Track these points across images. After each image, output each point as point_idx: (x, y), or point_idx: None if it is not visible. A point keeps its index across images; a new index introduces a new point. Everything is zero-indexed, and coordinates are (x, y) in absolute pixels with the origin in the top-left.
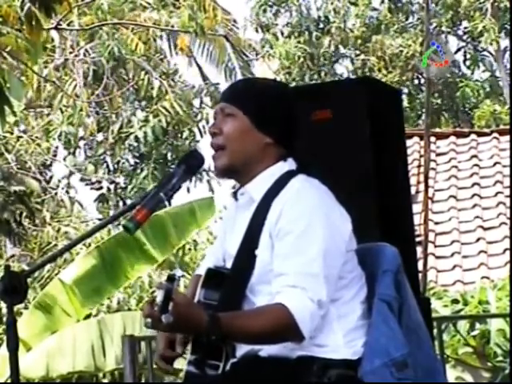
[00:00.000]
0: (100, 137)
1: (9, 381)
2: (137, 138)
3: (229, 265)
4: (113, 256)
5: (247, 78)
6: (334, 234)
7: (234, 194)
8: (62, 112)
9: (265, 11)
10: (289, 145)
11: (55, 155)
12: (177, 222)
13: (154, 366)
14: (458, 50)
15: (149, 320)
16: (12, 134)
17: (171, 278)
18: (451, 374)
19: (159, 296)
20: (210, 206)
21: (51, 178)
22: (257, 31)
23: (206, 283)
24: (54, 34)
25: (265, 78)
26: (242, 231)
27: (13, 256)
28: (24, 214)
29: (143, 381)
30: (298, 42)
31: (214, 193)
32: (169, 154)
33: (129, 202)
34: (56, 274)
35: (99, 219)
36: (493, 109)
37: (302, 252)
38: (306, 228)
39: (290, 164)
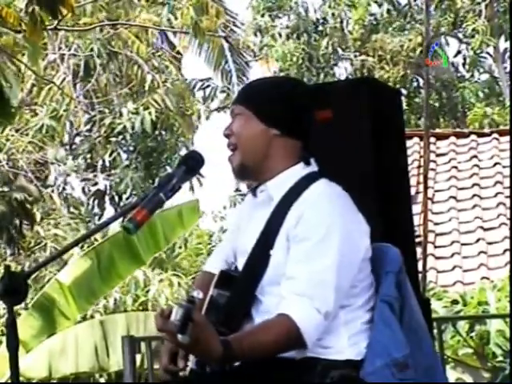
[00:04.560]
0: (94, 133)
1: (9, 381)
2: (125, 128)
3: (240, 261)
4: (108, 257)
5: (258, 79)
6: (351, 244)
7: (253, 191)
8: (46, 106)
9: (263, 15)
10: (301, 136)
11: (44, 152)
12: (164, 224)
13: (154, 366)
14: (459, 52)
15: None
16: (2, 132)
17: (191, 300)
18: (451, 374)
19: (177, 314)
20: (196, 209)
21: (47, 177)
22: (255, 35)
23: (218, 283)
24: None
25: (275, 76)
26: (257, 229)
27: (5, 259)
28: (24, 220)
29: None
30: (298, 44)
31: (193, 192)
32: (157, 147)
33: (122, 196)
34: (45, 275)
35: (95, 214)
36: (483, 111)
37: (316, 260)
38: (323, 236)
39: (312, 166)
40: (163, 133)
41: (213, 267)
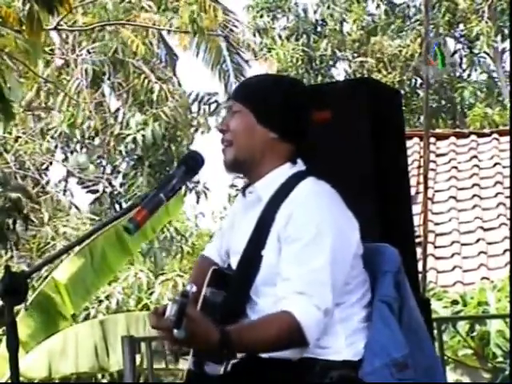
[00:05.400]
0: (97, 139)
1: (9, 381)
2: (135, 141)
3: (233, 260)
4: (100, 253)
5: (257, 75)
6: (343, 241)
7: (243, 191)
8: (62, 112)
9: (262, 16)
10: (298, 141)
11: (52, 155)
12: None
13: (154, 366)
14: (455, 52)
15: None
16: (10, 134)
17: (185, 294)
18: (451, 375)
19: (171, 310)
20: (179, 198)
21: (48, 182)
22: (254, 36)
23: (211, 282)
24: (54, 35)
25: (276, 74)
26: (248, 230)
27: (12, 257)
28: (18, 220)
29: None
30: (296, 45)
31: (198, 203)
32: (165, 159)
33: (124, 205)
34: (48, 274)
35: (95, 221)
36: (483, 111)
37: (311, 259)
38: (315, 235)
39: (299, 165)
40: (170, 144)
41: (211, 253)
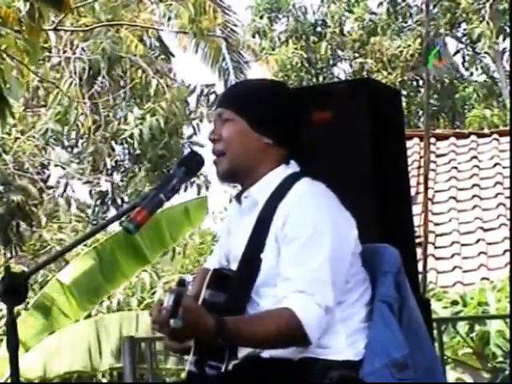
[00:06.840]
0: (97, 136)
1: (9, 381)
2: (131, 136)
3: (234, 266)
4: (110, 256)
5: (242, 81)
6: (341, 239)
7: (238, 198)
8: (55, 109)
9: (261, 17)
10: (291, 144)
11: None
12: (170, 222)
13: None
14: (457, 52)
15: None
16: (9, 134)
17: (181, 283)
18: (451, 375)
19: (168, 300)
20: (203, 206)
21: (48, 177)
22: (254, 37)
23: (211, 284)
24: (50, 34)
25: (261, 79)
26: (246, 234)
27: (11, 258)
28: (21, 221)
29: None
30: (295, 49)
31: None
32: (165, 154)
33: (126, 200)
34: (53, 276)
35: (97, 218)
36: (482, 113)
37: (310, 258)
38: (313, 234)
39: (293, 166)
40: (170, 138)
41: (212, 264)
